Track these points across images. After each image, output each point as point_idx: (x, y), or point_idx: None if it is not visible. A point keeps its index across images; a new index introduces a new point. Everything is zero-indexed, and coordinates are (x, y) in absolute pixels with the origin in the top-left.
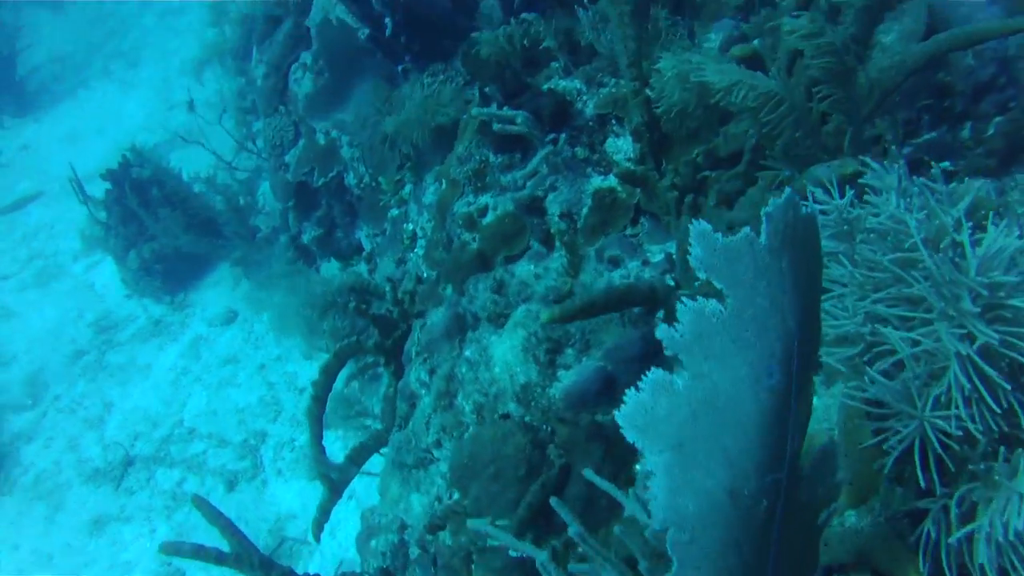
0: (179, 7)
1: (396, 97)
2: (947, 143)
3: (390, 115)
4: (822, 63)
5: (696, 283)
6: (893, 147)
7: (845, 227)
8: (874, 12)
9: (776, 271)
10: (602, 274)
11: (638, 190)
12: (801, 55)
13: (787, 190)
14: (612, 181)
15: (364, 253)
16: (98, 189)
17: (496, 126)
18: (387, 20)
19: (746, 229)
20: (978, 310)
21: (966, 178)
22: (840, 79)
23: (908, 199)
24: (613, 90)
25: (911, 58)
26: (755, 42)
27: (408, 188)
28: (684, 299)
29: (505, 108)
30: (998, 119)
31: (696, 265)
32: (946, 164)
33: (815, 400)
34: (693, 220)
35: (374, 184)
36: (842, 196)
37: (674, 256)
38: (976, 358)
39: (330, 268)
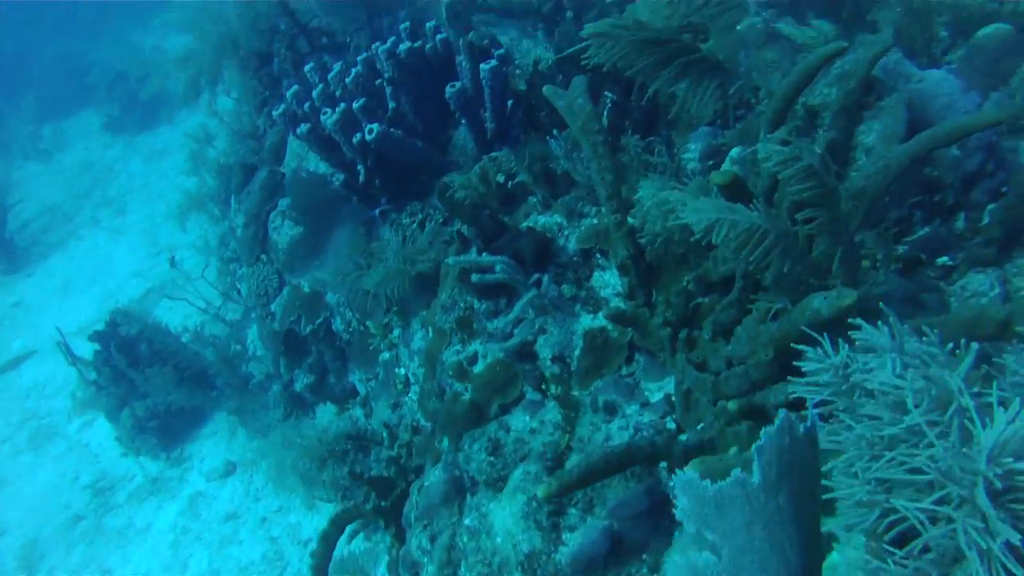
0: (163, 148)
1: (375, 248)
2: (942, 237)
3: (369, 267)
4: (802, 188)
5: (699, 426)
6: (881, 270)
7: (844, 386)
8: (852, 113)
9: (773, 509)
10: (599, 427)
11: (630, 328)
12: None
13: (780, 414)
14: (602, 320)
15: (359, 397)
16: (90, 345)
17: (475, 277)
18: (359, 167)
19: (736, 472)
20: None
21: (968, 271)
22: (822, 201)
23: (904, 357)
24: (595, 221)
25: (896, 161)
26: (735, 167)
27: (397, 332)
28: (675, 556)
29: (484, 255)
30: (991, 206)
31: (683, 517)
32: (944, 259)
33: (835, 555)
34: (677, 470)
35: (362, 328)
36: (839, 337)
37: (673, 397)
38: (1000, 555)
39: (326, 412)
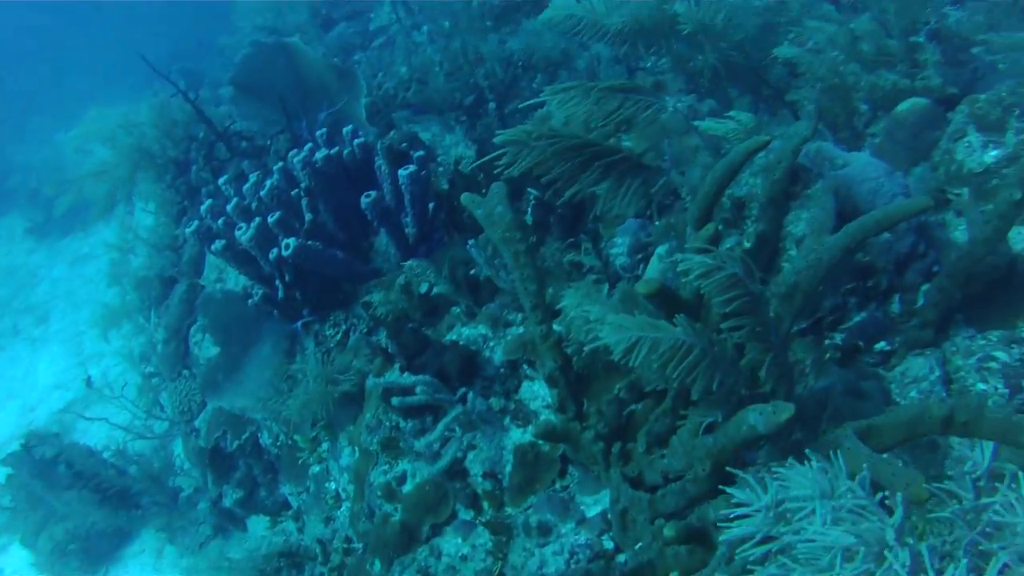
0: (88, 252)
1: (296, 370)
2: (879, 322)
3: (291, 391)
4: (726, 299)
5: (637, 545)
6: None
7: (776, 528)
8: (779, 204)
9: None
10: (532, 552)
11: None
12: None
13: None
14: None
15: (292, 511)
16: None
17: (395, 400)
18: (278, 282)
19: None
20: None
21: (907, 355)
22: (749, 309)
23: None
24: (521, 331)
25: (827, 254)
26: (662, 264)
27: (325, 445)
28: None
29: (406, 374)
30: (925, 287)
31: None
32: (882, 344)
33: None
34: None
35: (291, 442)
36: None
37: (609, 515)
38: None
39: (258, 524)
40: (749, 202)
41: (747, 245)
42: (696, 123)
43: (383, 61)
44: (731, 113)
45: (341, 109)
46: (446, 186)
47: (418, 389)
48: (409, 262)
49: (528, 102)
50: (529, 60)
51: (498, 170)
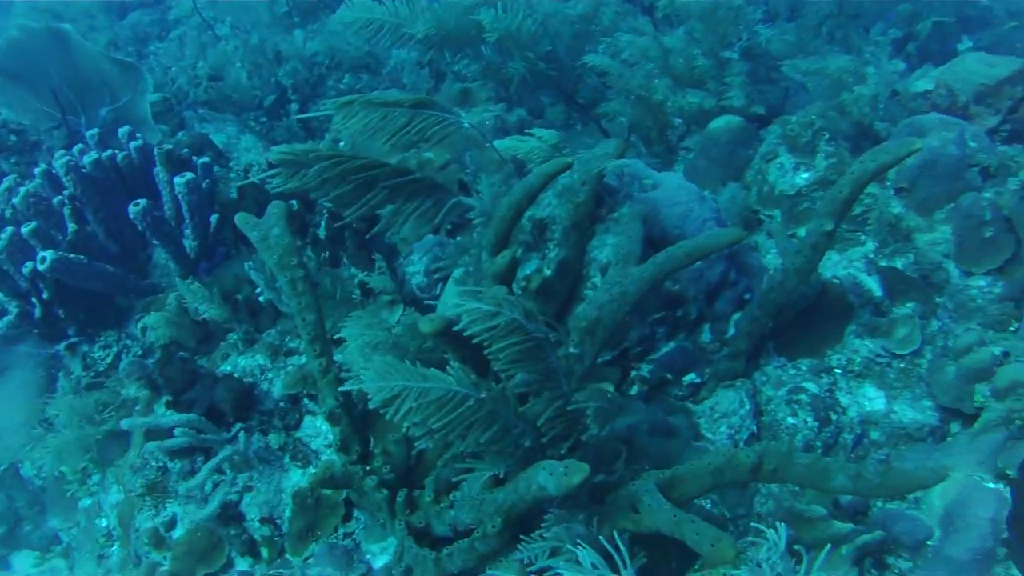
0: None
1: (52, 405)
2: (688, 352)
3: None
4: (507, 346)
5: None
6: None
7: None
8: (583, 229)
9: None
10: None
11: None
12: None
13: None
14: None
15: (61, 547)
16: None
17: (152, 445)
18: (34, 300)
19: None
20: None
21: (717, 388)
22: (532, 355)
23: None
24: (302, 360)
25: (632, 287)
26: (459, 288)
27: (95, 477)
28: None
29: (169, 412)
30: (736, 316)
31: None
32: (692, 376)
33: None
34: None
35: (58, 472)
36: None
37: (393, 572)
38: None
39: (26, 559)
40: (551, 224)
41: (548, 272)
42: (496, 143)
43: (180, 54)
44: (533, 130)
45: (125, 106)
46: (235, 195)
47: (177, 432)
48: (183, 282)
49: (310, 114)
50: (334, 60)
51: (272, 188)
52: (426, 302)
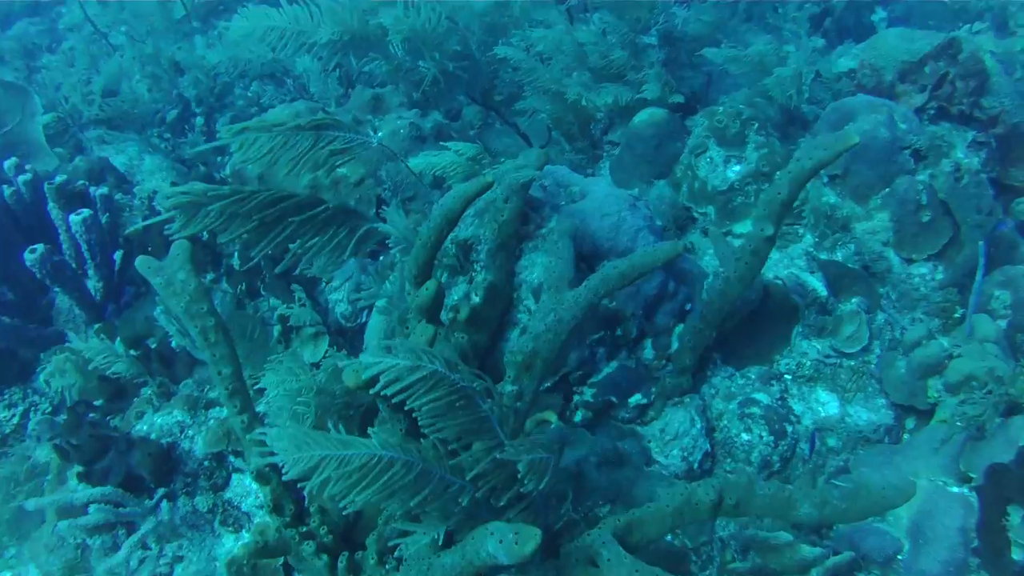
0: None
1: None
2: (631, 372)
3: None
4: (431, 400)
5: None
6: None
7: None
8: (511, 249)
9: None
10: None
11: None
12: None
13: None
14: (247, 538)
15: None
16: None
17: (63, 525)
18: None
19: None
20: None
21: (664, 407)
22: (459, 407)
23: None
24: (224, 412)
25: (568, 314)
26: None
27: (12, 551)
28: None
29: (81, 486)
30: (679, 329)
31: None
32: (637, 397)
33: None
34: None
35: None
36: None
37: None
38: None
39: None
40: (476, 244)
41: (476, 300)
42: (412, 160)
43: (72, 68)
44: (450, 144)
45: (14, 131)
46: (142, 224)
47: (91, 509)
48: (82, 342)
49: (204, 146)
50: (238, 70)
51: (169, 234)
52: (351, 331)
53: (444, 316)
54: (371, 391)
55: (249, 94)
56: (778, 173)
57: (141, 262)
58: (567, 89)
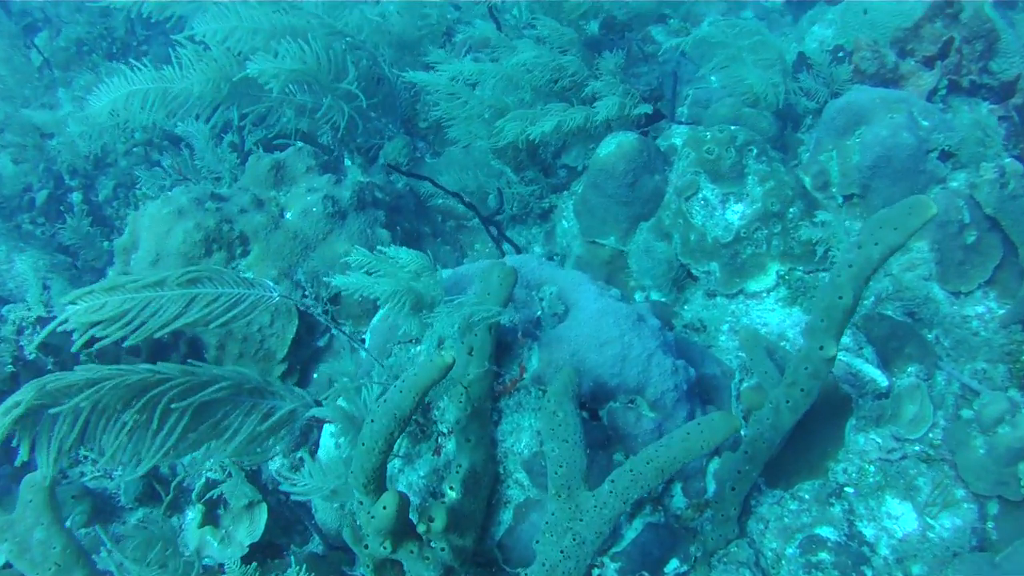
0: None
1: None
2: (662, 530)
3: None
4: None
5: None
6: None
7: None
8: (485, 416)
9: None
10: None
11: None
12: None
13: None
14: None
15: None
16: None
17: None
18: None
19: None
20: None
21: (709, 568)
22: None
23: None
24: None
25: (591, 532)
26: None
27: None
28: None
29: None
30: (714, 464)
31: None
32: (674, 565)
33: None
34: None
35: None
36: None
37: None
38: None
39: None
40: (435, 400)
41: (454, 495)
42: (338, 279)
43: None
44: (389, 250)
45: None
46: (11, 369)
47: None
48: None
49: (47, 330)
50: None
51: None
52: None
53: (420, 528)
54: None
55: (136, 150)
56: (835, 266)
57: None
58: (498, 134)
